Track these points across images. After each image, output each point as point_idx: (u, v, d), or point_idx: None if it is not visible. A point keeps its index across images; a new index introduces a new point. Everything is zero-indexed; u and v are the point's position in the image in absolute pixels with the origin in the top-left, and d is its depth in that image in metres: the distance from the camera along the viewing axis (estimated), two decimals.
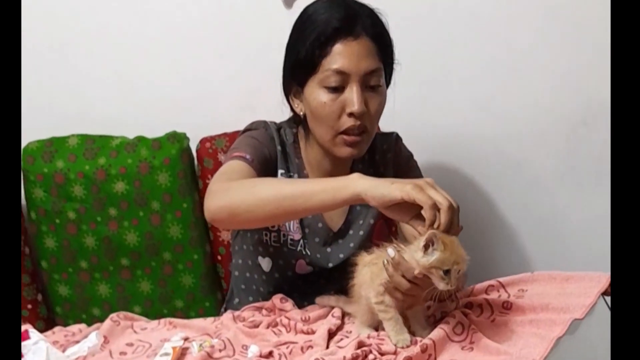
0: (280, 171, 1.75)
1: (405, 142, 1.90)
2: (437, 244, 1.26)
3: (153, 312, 2.16)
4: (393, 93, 1.72)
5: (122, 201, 2.12)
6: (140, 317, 1.73)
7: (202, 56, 2.28)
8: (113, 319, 1.64)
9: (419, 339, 1.36)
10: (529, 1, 2.21)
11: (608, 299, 1.40)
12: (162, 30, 2.25)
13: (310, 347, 1.43)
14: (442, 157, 2.35)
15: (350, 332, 1.49)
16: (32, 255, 2.22)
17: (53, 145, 2.14)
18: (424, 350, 1.30)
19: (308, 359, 1.38)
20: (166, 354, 1.44)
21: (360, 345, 1.37)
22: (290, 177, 1.76)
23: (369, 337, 1.40)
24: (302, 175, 1.77)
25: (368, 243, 1.71)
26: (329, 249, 1.79)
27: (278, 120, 1.82)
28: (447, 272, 1.27)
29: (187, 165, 2.16)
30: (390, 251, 1.32)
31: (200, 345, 1.46)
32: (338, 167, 1.75)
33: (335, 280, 1.54)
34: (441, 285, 1.27)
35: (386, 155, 1.84)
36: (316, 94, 1.62)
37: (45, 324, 2.20)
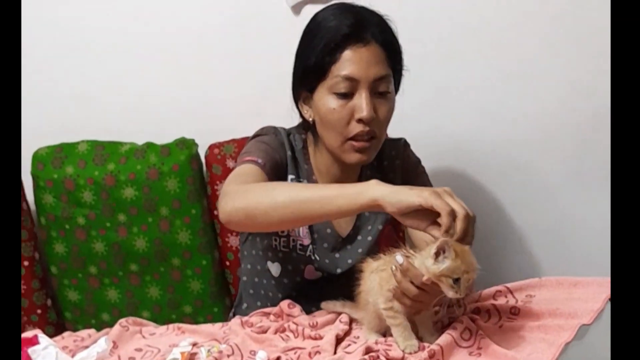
0: (290, 176, 1.76)
1: (413, 148, 1.90)
2: (449, 252, 1.25)
3: (162, 318, 2.17)
4: (402, 99, 1.72)
5: (131, 207, 2.13)
6: (149, 323, 1.73)
7: (210, 63, 2.29)
8: (122, 324, 1.64)
9: (426, 344, 1.36)
10: (536, 8, 2.21)
11: None
12: (171, 37, 2.26)
13: (318, 352, 1.42)
14: (450, 162, 2.35)
15: (358, 337, 1.49)
16: (41, 261, 2.23)
17: (63, 151, 2.16)
18: (431, 355, 1.29)
19: None
20: None
21: (368, 350, 1.37)
22: (300, 182, 1.76)
23: (376, 343, 1.40)
24: (311, 180, 1.77)
25: (376, 249, 1.71)
26: (337, 255, 1.79)
27: (286, 126, 1.83)
28: (456, 280, 1.26)
29: (195, 172, 2.16)
30: (399, 257, 1.31)
31: (209, 350, 1.46)
32: (347, 173, 1.75)
33: (343, 286, 1.54)
34: (450, 294, 1.27)
35: (394, 162, 1.84)
36: (325, 100, 1.63)
37: (54, 329, 2.21)
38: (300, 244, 1.76)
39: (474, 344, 1.35)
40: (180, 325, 1.67)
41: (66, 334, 1.73)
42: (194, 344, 1.52)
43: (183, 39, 2.27)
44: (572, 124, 2.29)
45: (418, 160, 1.88)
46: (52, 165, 2.13)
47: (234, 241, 2.20)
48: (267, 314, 1.66)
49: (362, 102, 1.59)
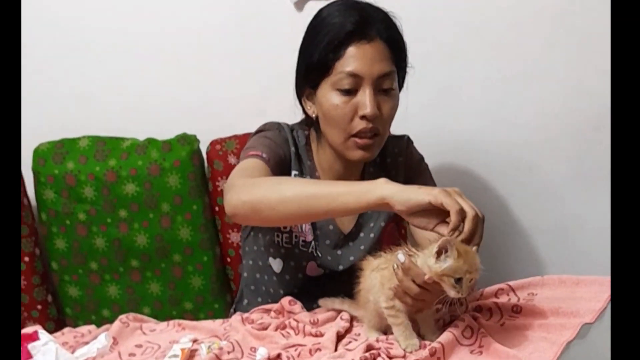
0: (293, 172, 1.76)
1: (416, 145, 1.89)
2: (451, 252, 1.25)
3: (162, 314, 2.17)
4: (406, 97, 1.71)
5: (132, 203, 2.13)
6: (150, 319, 1.73)
7: (212, 58, 2.28)
8: (122, 321, 1.64)
9: (427, 342, 1.36)
10: (539, 8, 2.20)
11: None
12: (173, 35, 2.26)
13: (319, 349, 1.42)
14: (452, 161, 2.35)
15: (359, 335, 1.49)
16: (42, 257, 2.23)
17: (64, 147, 2.15)
18: (432, 353, 1.29)
19: None
20: (175, 356, 1.44)
21: (369, 348, 1.37)
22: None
23: (377, 341, 1.40)
24: (313, 177, 1.77)
25: (378, 246, 1.71)
26: (339, 252, 1.79)
27: (288, 123, 1.82)
28: (458, 280, 1.26)
29: (197, 168, 2.16)
30: (401, 256, 1.31)
31: (209, 347, 1.46)
32: (349, 170, 1.75)
33: (345, 284, 1.53)
34: (452, 293, 1.27)
35: (397, 159, 1.84)
36: (329, 96, 1.62)
37: (55, 325, 2.21)
38: (303, 240, 1.76)
39: (476, 342, 1.35)
40: (181, 321, 1.67)
41: (66, 329, 1.73)
42: (195, 341, 1.52)
43: (185, 37, 2.26)
44: (574, 124, 2.29)
45: (421, 158, 1.88)
46: (53, 160, 2.13)
47: (235, 237, 2.20)
48: (268, 311, 1.66)
49: (365, 99, 1.59)
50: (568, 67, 2.25)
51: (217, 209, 2.19)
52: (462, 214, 1.26)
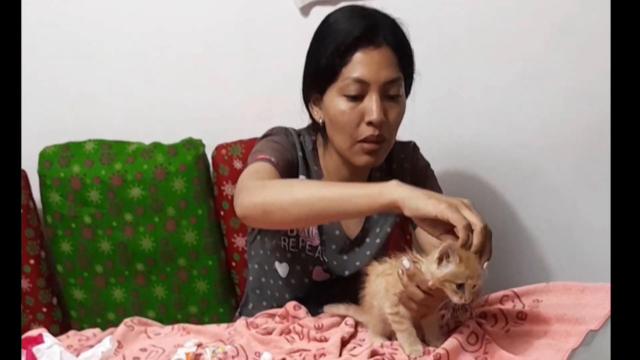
0: (301, 176, 1.76)
1: (422, 151, 1.89)
2: (453, 257, 1.25)
3: (167, 318, 2.17)
4: (412, 103, 1.71)
5: (138, 207, 2.13)
6: (154, 323, 1.73)
7: (218, 63, 2.28)
8: (127, 324, 1.65)
9: (432, 348, 1.36)
10: (543, 12, 2.20)
11: None
12: (179, 38, 2.26)
13: (323, 354, 1.42)
14: (458, 166, 2.35)
15: (364, 340, 1.48)
16: (47, 259, 2.23)
17: (69, 150, 2.16)
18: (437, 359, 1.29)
19: None
20: None
21: (374, 354, 1.37)
22: None
23: (382, 346, 1.40)
24: None
25: (384, 252, 1.70)
26: (345, 257, 1.79)
27: (295, 128, 1.82)
28: (460, 286, 1.25)
29: (202, 172, 2.16)
30: (405, 262, 1.31)
31: (214, 351, 1.46)
32: (356, 175, 1.75)
33: (351, 289, 1.53)
34: (455, 299, 1.26)
35: (403, 165, 1.84)
36: (336, 102, 1.62)
37: (59, 328, 2.21)
38: (310, 245, 1.76)
39: (480, 348, 1.34)
40: (186, 325, 1.67)
41: (71, 333, 1.73)
42: (199, 345, 1.52)
43: (191, 40, 2.27)
44: (578, 128, 2.29)
45: (427, 164, 1.88)
46: (58, 164, 2.13)
47: (240, 242, 2.20)
48: (273, 316, 1.66)
49: (372, 105, 1.59)
50: (572, 70, 2.25)
51: (222, 213, 2.19)
52: (469, 228, 1.26)
